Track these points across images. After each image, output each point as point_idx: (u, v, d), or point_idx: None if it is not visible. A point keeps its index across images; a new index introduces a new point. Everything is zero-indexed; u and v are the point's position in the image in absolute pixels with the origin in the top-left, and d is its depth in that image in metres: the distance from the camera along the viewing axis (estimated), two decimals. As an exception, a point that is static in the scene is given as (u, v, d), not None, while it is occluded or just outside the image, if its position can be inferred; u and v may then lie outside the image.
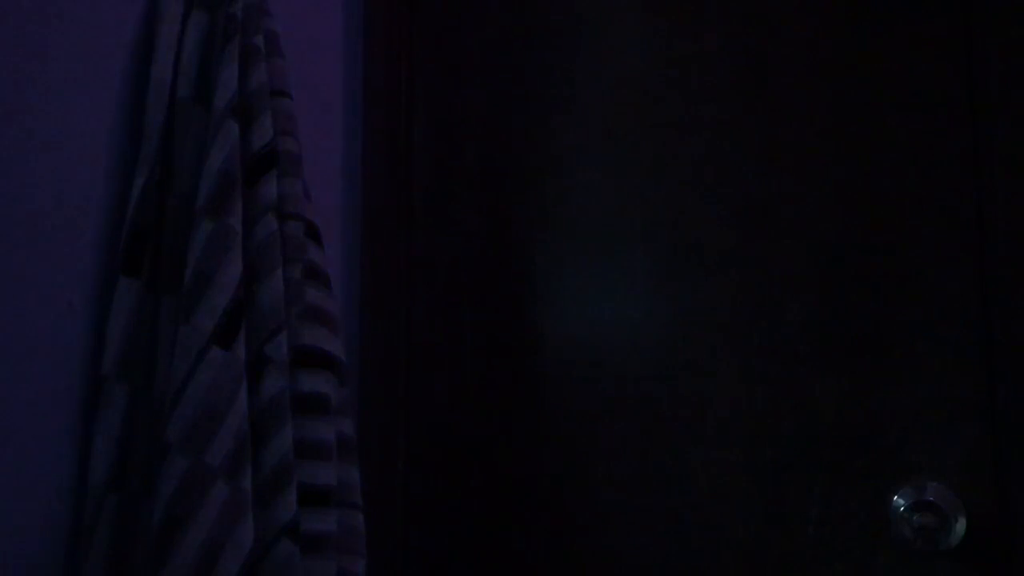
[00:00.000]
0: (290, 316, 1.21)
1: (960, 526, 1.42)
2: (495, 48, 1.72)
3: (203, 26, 1.22)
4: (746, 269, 1.56)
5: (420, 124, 1.74)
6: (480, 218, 1.68)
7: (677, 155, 1.61)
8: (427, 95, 1.74)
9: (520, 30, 1.71)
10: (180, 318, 1.09)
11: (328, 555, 1.19)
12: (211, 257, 1.10)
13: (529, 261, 1.65)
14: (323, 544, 1.19)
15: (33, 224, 1.04)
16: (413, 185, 1.72)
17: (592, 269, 1.62)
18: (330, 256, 1.59)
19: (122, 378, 1.10)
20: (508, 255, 1.67)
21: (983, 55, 1.51)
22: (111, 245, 1.14)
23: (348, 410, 1.30)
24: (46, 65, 1.07)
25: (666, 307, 1.59)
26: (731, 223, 1.58)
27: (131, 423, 1.10)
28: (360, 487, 1.29)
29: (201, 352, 1.07)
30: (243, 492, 1.06)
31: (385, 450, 1.63)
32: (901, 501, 1.45)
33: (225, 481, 1.05)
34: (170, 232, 1.14)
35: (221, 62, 1.18)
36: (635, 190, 1.62)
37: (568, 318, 1.62)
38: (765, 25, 1.61)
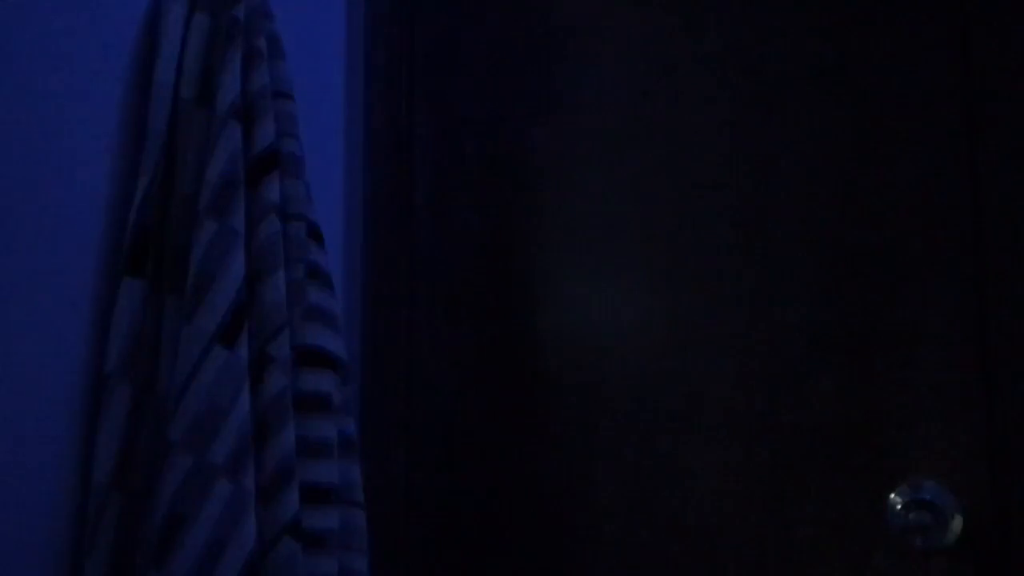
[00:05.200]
0: (292, 316, 1.21)
1: (956, 524, 1.43)
2: (495, 49, 1.73)
3: (205, 28, 1.22)
4: (745, 269, 1.57)
5: (421, 125, 1.75)
6: (480, 218, 1.69)
7: (676, 155, 1.62)
8: (428, 96, 1.75)
9: (520, 30, 1.72)
10: (183, 318, 1.10)
11: (330, 552, 1.20)
12: (214, 258, 1.11)
13: (529, 261, 1.66)
14: (325, 541, 1.20)
15: (38, 224, 1.05)
16: (414, 186, 1.73)
17: (592, 269, 1.63)
18: (332, 256, 1.60)
19: (125, 377, 1.10)
20: (508, 255, 1.67)
21: (980, 56, 1.52)
22: (115, 246, 1.15)
23: (350, 409, 1.31)
24: (49, 67, 1.07)
25: (665, 307, 1.59)
26: (730, 223, 1.58)
27: (134, 422, 1.11)
28: (362, 485, 1.30)
29: (204, 351, 1.08)
30: (245, 490, 1.07)
31: (386, 448, 1.64)
32: (898, 499, 1.46)
33: (228, 479, 1.06)
34: (173, 233, 1.15)
35: (223, 64, 1.19)
36: (635, 190, 1.63)
37: (568, 318, 1.63)
38: (764, 26, 1.61)
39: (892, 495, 1.47)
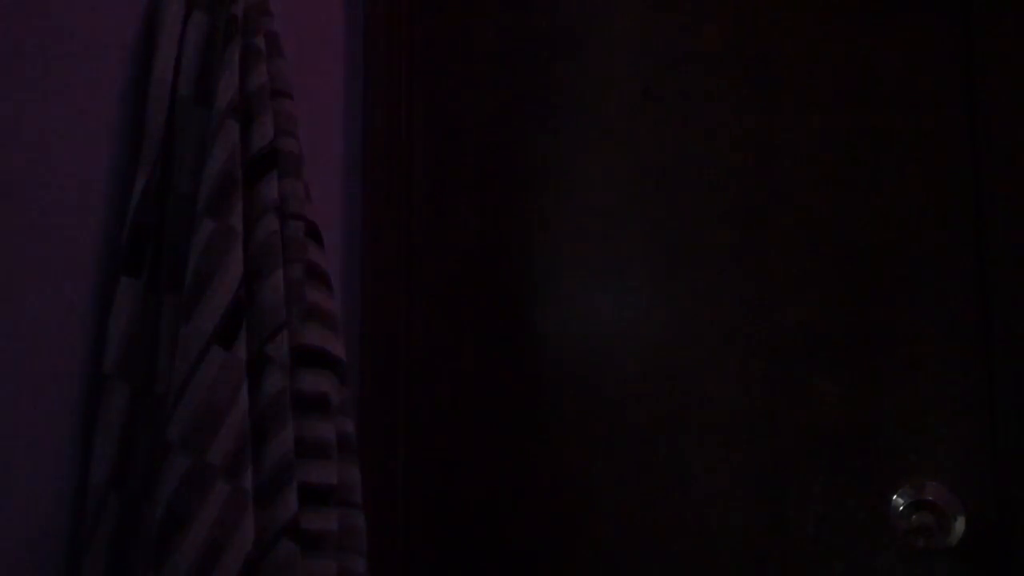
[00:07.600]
0: (291, 316, 1.21)
1: (959, 525, 1.43)
2: (495, 48, 1.72)
3: (204, 27, 1.22)
4: (746, 269, 1.56)
5: (420, 125, 1.74)
6: (480, 218, 1.69)
7: (676, 154, 1.62)
8: (427, 95, 1.74)
9: (520, 30, 1.72)
10: (181, 318, 1.09)
11: (329, 554, 1.19)
12: (212, 257, 1.10)
13: (529, 261, 1.66)
14: (323, 543, 1.19)
15: (35, 224, 1.05)
16: (413, 185, 1.73)
17: (592, 269, 1.63)
18: (330, 256, 1.60)
19: (123, 377, 1.10)
20: (508, 255, 1.67)
21: (983, 54, 1.51)
22: (112, 245, 1.15)
23: (348, 409, 1.31)
24: (47, 66, 1.07)
25: (666, 307, 1.59)
26: (731, 223, 1.58)
27: (132, 422, 1.10)
28: (360, 486, 1.30)
29: (202, 352, 1.08)
30: (244, 491, 1.07)
31: (385, 449, 1.63)
32: (900, 500, 1.45)
33: (226, 480, 1.06)
34: (171, 232, 1.15)
35: (222, 63, 1.18)
36: (635, 190, 1.63)
37: (568, 318, 1.63)
38: (765, 24, 1.61)
39: (895, 496, 1.46)
